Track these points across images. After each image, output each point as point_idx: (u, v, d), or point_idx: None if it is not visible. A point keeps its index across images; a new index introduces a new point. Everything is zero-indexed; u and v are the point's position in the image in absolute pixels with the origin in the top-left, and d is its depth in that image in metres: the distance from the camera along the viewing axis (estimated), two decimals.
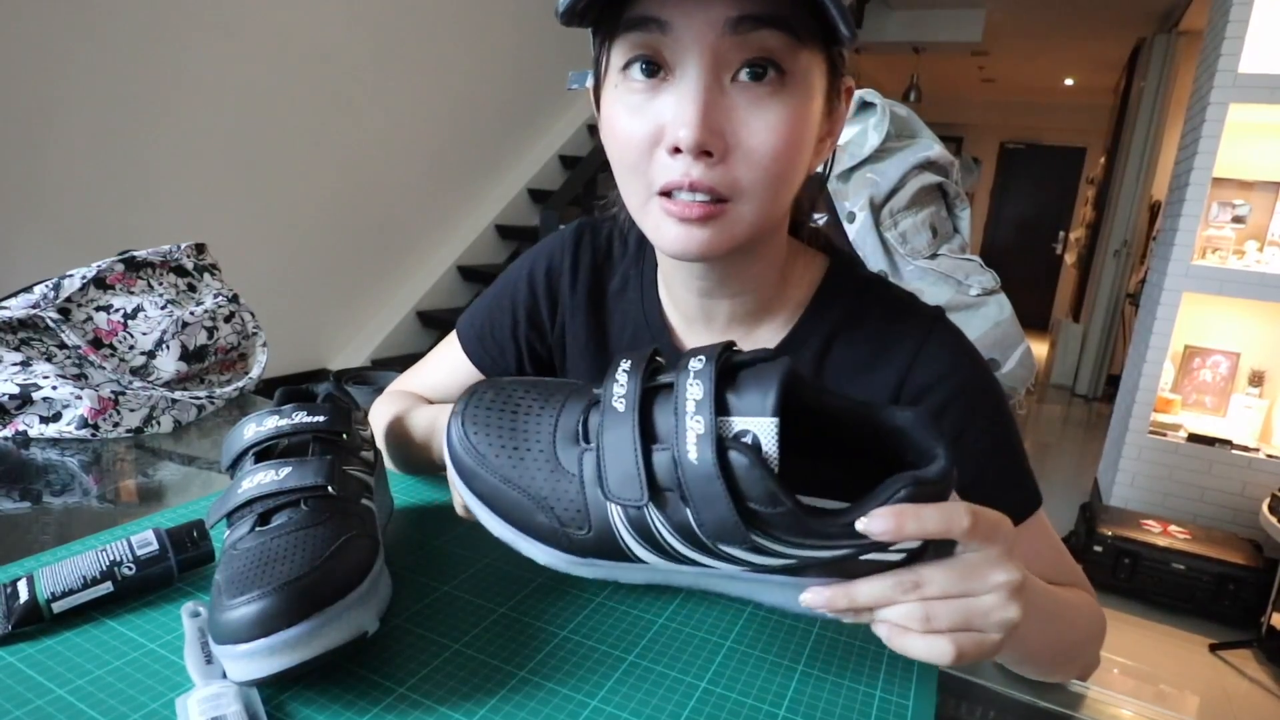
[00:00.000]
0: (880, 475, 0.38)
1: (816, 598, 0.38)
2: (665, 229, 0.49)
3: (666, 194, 0.48)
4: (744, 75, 0.46)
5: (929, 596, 0.37)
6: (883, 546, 0.36)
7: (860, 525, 0.35)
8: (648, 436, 0.37)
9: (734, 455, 0.35)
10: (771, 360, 0.37)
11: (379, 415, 0.70)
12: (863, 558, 0.37)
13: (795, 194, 0.53)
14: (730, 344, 0.40)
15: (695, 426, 0.35)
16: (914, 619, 0.37)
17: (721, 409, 0.36)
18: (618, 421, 0.38)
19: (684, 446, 0.35)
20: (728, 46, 0.45)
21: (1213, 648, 2.19)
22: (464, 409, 0.44)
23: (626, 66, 0.48)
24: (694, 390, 0.36)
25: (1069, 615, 0.54)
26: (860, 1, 4.86)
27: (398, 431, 0.67)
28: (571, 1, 0.45)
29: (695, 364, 0.37)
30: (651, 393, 0.38)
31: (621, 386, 0.38)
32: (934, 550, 0.38)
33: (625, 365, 0.40)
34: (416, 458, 0.67)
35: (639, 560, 0.40)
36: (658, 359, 0.41)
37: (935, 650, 0.37)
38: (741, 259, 0.55)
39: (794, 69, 0.46)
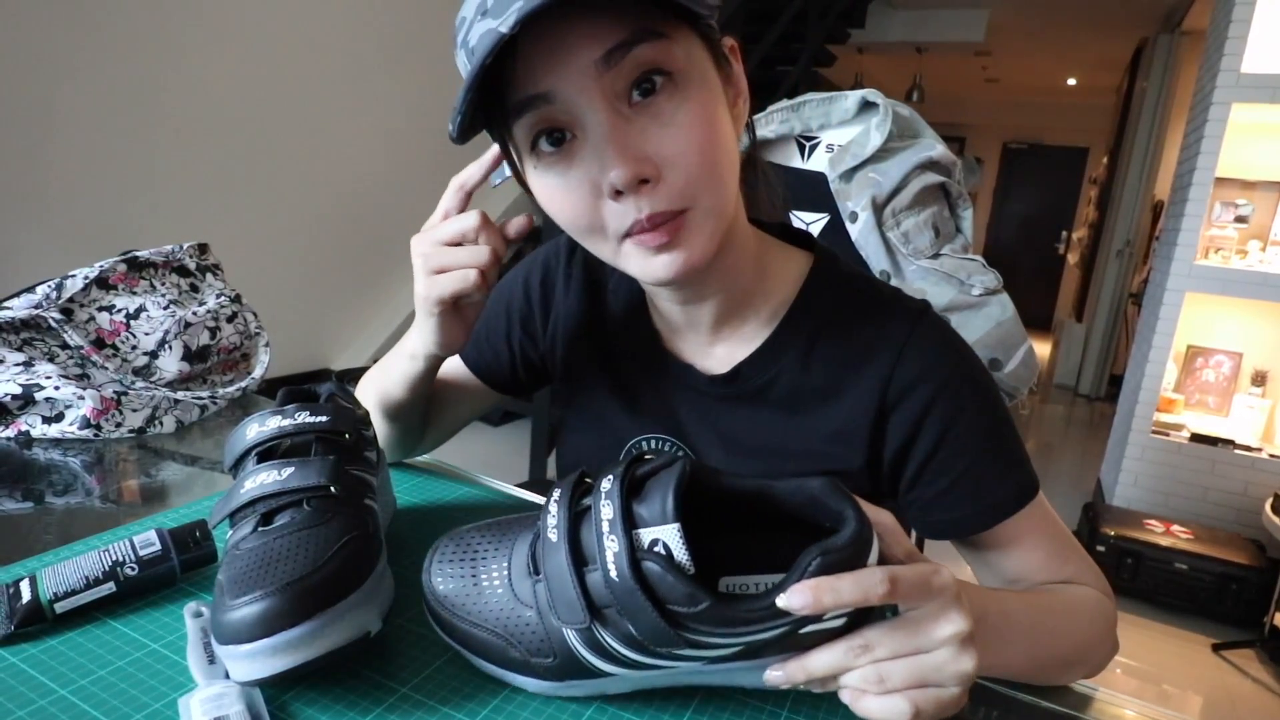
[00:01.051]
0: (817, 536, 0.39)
1: (778, 675, 0.39)
2: (649, 262, 0.49)
3: (632, 233, 0.48)
4: (636, 95, 0.46)
5: (880, 658, 0.38)
6: (817, 617, 0.37)
7: (780, 603, 0.36)
8: (579, 560, 0.39)
9: (647, 566, 0.37)
10: (670, 466, 0.39)
11: (367, 391, 0.71)
12: (803, 630, 0.38)
13: (739, 170, 0.53)
14: (639, 456, 0.42)
15: (611, 545, 0.38)
16: (869, 681, 0.38)
17: (634, 522, 0.38)
18: (553, 550, 0.40)
19: (606, 565, 0.38)
20: (610, 80, 0.45)
21: (1215, 648, 2.19)
22: (429, 566, 0.47)
23: (534, 146, 0.48)
24: (606, 511, 0.39)
25: (1055, 626, 0.53)
26: (861, 1, 4.86)
27: (383, 386, 0.68)
28: (460, 123, 0.46)
29: (606, 484, 0.40)
30: (579, 516, 0.41)
31: (554, 517, 0.41)
32: (876, 610, 0.38)
33: (556, 495, 0.42)
34: (407, 394, 0.67)
35: (605, 674, 0.42)
36: (585, 480, 0.43)
37: (892, 710, 0.37)
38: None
39: (676, 65, 0.46)
